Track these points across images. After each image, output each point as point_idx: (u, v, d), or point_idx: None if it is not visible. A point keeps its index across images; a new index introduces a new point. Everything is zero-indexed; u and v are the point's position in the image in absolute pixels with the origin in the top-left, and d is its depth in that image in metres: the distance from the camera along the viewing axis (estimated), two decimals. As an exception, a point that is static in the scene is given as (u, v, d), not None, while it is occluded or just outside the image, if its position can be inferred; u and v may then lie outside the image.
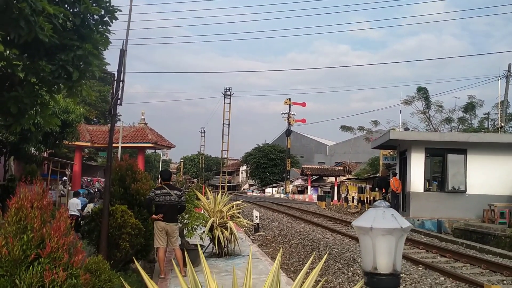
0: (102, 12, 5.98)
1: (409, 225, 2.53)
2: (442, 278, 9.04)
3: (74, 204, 14.20)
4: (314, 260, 9.97)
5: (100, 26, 6.04)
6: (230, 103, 60.20)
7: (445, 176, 19.82)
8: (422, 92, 34.01)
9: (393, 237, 2.47)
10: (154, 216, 8.33)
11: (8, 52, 5.78)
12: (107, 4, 5.98)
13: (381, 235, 2.46)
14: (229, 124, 59.61)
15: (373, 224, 2.47)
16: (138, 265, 3.49)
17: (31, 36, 4.97)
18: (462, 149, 19.58)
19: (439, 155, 20.33)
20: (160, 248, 8.38)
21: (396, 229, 2.47)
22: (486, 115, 34.41)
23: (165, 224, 8.32)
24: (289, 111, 62.64)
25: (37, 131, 11.43)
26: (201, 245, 9.65)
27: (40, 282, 3.57)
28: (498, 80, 29.63)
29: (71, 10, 5.66)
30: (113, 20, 6.14)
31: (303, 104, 65.05)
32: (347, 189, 41.99)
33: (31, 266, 3.62)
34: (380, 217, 2.50)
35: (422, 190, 19.64)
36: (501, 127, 28.66)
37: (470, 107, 33.48)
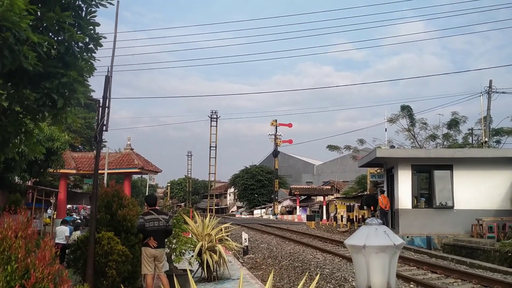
0: (87, 40, 5.98)
1: (402, 242, 2.52)
2: (434, 295, 9.03)
3: (62, 232, 13.96)
4: (305, 281, 9.90)
5: (84, 54, 6.04)
6: (216, 126, 60.17)
7: (432, 192, 19.95)
8: (406, 110, 34.44)
9: (386, 255, 2.46)
10: (149, 241, 8.21)
11: (-9, 81, 5.75)
12: (92, 31, 5.99)
13: (374, 253, 2.44)
14: (216, 147, 59.45)
15: (366, 242, 2.45)
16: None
17: (15, 65, 4.95)
18: (448, 164, 19.78)
19: (425, 172, 20.50)
20: (148, 275, 8.24)
21: (389, 246, 2.46)
22: (470, 130, 34.87)
23: (155, 250, 8.21)
24: (276, 132, 62.82)
25: (21, 160, 11.31)
26: (189, 270, 9.52)
27: (25, 314, 3.50)
28: (480, 96, 30.14)
29: (56, 38, 5.66)
30: (98, 47, 6.15)
31: (290, 125, 65.33)
32: (336, 208, 42.00)
33: (15, 298, 3.55)
34: (373, 235, 2.49)
35: (410, 207, 19.72)
36: (485, 142, 29.02)
37: (454, 123, 33.93)
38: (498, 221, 17.55)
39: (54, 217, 23.17)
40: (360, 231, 2.58)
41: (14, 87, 5.77)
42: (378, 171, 29.55)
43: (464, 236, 18.37)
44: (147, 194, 38.33)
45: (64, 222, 15.59)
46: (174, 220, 10.17)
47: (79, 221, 20.65)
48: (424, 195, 20.72)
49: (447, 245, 17.80)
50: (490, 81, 30.58)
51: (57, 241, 12.66)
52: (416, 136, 34.82)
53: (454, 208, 19.42)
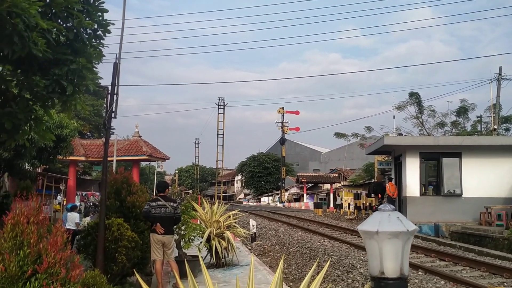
0: (95, 26, 5.97)
1: (415, 228, 2.51)
2: (443, 282, 9.03)
3: (72, 218, 14.09)
4: (314, 268, 9.94)
5: (93, 40, 6.03)
6: (224, 114, 60.28)
7: (441, 180, 19.87)
8: (415, 97, 34.19)
9: (399, 241, 2.45)
10: (156, 227, 8.28)
11: (1, 68, 5.77)
12: (100, 18, 5.98)
13: (387, 239, 2.44)
14: (223, 134, 59.64)
15: (379, 227, 2.45)
16: (139, 277, 3.46)
17: (24, 51, 4.96)
18: (456, 152, 19.66)
19: (433, 159, 20.40)
20: (157, 261, 8.32)
21: (402, 232, 2.45)
22: (479, 118, 34.60)
23: (162, 237, 8.27)
24: (283, 120, 62.74)
25: (31, 147, 11.36)
26: (198, 256, 9.59)
27: (38, 298, 3.53)
28: (489, 83, 29.87)
29: (64, 25, 5.65)
30: (106, 34, 6.14)
31: (297, 113, 65.19)
32: (338, 195, 41.97)
33: (28, 282, 3.59)
34: (386, 221, 2.48)
35: (418, 195, 19.68)
36: (494, 129, 28.83)
37: (462, 111, 33.66)
38: (507, 209, 17.49)
39: (64, 203, 23.34)
40: (373, 217, 2.57)
41: (23, 73, 5.78)
42: (386, 158, 29.49)
43: (472, 224, 18.32)
44: (155, 181, 38.51)
45: (74, 208, 15.72)
46: (183, 207, 10.23)
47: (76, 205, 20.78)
48: (432, 183, 20.65)
49: (455, 233, 17.78)
50: (500, 68, 30.31)
51: (67, 227, 12.78)
52: (424, 123, 34.62)
53: (463, 196, 19.35)
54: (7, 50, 4.96)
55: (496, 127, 29.27)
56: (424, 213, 19.02)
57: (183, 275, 7.67)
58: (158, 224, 8.27)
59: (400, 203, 20.44)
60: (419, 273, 10.10)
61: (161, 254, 8.34)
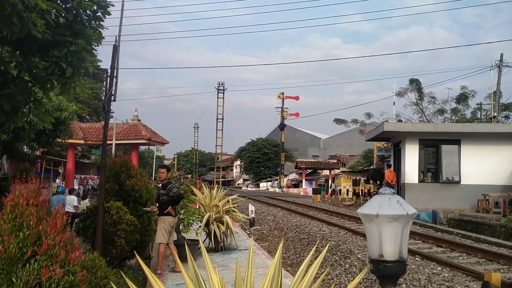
0: (95, 7, 5.90)
1: (415, 212, 2.52)
2: (439, 268, 9.09)
3: (71, 201, 14.14)
4: (313, 253, 9.99)
5: (93, 22, 5.98)
6: (223, 98, 60.18)
7: (439, 167, 19.91)
8: (415, 83, 34.07)
9: (399, 224, 2.46)
10: (170, 209, 8.41)
11: (0, 49, 5.72)
12: (100, -1, 5.92)
13: (387, 222, 2.44)
14: (222, 119, 59.62)
15: (379, 211, 2.45)
16: (140, 259, 3.47)
17: (24, 32, 4.91)
18: (455, 139, 19.67)
19: (433, 146, 20.42)
20: (161, 244, 8.38)
21: (402, 215, 2.45)
22: (479, 105, 34.55)
23: (175, 218, 8.51)
24: (283, 105, 62.73)
25: (30, 129, 11.34)
26: (197, 240, 9.64)
27: (37, 280, 3.53)
28: (490, 70, 29.76)
29: (64, 6, 5.59)
30: (106, 16, 6.08)
31: (296, 98, 65.14)
32: (333, 182, 42.09)
33: (27, 264, 3.59)
34: (386, 204, 2.48)
35: (416, 181, 19.73)
36: (494, 117, 28.80)
37: (462, 98, 33.59)
38: (505, 196, 17.55)
39: (63, 186, 23.38)
40: (373, 201, 2.58)
41: (22, 55, 5.74)
42: (385, 145, 29.51)
43: (470, 211, 18.40)
44: (154, 165, 38.53)
45: (72, 191, 15.77)
46: (182, 191, 10.27)
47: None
48: (431, 169, 20.69)
49: (452, 220, 17.86)
50: (501, 55, 30.26)
51: (66, 209, 12.82)
52: (424, 110, 34.55)
53: (461, 183, 19.40)
54: (6, 31, 4.91)
55: (496, 114, 29.24)
56: (422, 200, 19.07)
57: (181, 259, 7.71)
58: (170, 206, 8.39)
59: (398, 190, 20.50)
60: (417, 259, 10.16)
61: (168, 237, 8.42)
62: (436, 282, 7.95)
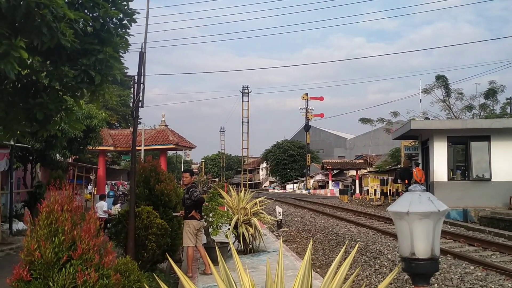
0: (121, 16, 6.03)
1: (446, 208, 2.49)
2: (472, 267, 8.91)
3: (101, 207, 14.41)
4: (342, 254, 9.94)
5: (119, 29, 6.10)
6: (248, 101, 60.34)
7: (469, 164, 19.54)
8: (441, 80, 33.49)
9: (430, 221, 2.43)
10: (195, 213, 8.48)
11: (31, 59, 5.88)
12: (126, 7, 6.03)
13: (418, 219, 2.42)
14: (248, 122, 59.78)
15: (409, 208, 2.43)
16: (172, 262, 3.52)
17: (53, 42, 5.05)
18: (485, 136, 19.28)
19: (462, 143, 20.06)
20: (190, 247, 8.47)
21: (433, 212, 2.43)
22: (508, 100, 33.75)
23: (199, 222, 8.54)
24: (307, 106, 62.49)
25: (62, 137, 11.61)
26: (226, 243, 9.70)
27: (73, 284, 3.62)
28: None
29: (91, 15, 5.72)
30: (132, 23, 6.19)
31: (321, 99, 64.81)
32: (352, 184, 41.55)
33: (63, 268, 3.68)
34: (416, 201, 2.46)
35: (446, 180, 19.40)
36: (525, 111, 28.11)
37: (491, 93, 32.83)
38: (539, 192, 17.11)
39: (95, 193, 23.82)
40: (403, 198, 2.56)
41: (53, 64, 5.89)
42: (413, 143, 29.07)
43: (502, 208, 17.98)
44: (182, 169, 38.85)
45: (103, 197, 16.06)
46: (210, 194, 10.37)
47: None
48: (460, 167, 20.31)
49: (484, 218, 17.48)
50: (531, 48, 29.42)
51: (99, 215, 13.07)
52: (451, 107, 33.93)
53: (492, 180, 18.99)
54: (37, 42, 5.06)
55: (526, 109, 28.53)
56: (452, 198, 18.70)
57: (212, 261, 7.77)
58: (194, 210, 8.45)
59: (427, 189, 20.14)
60: (448, 258, 9.99)
61: (195, 240, 8.49)
62: (469, 282, 7.81)
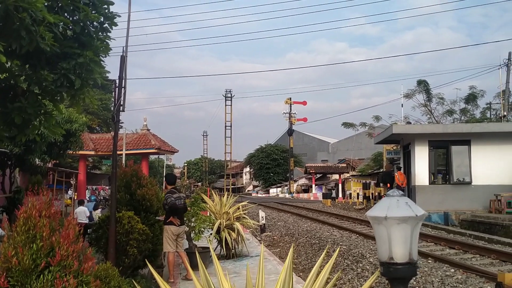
0: (102, 19, 5.96)
1: (424, 213, 2.52)
2: (452, 270, 9.02)
3: (82, 212, 14.23)
4: (323, 258, 9.96)
5: (100, 33, 6.03)
6: (231, 105, 60.22)
7: (450, 168, 19.79)
8: (423, 85, 33.97)
9: (408, 226, 2.45)
10: (173, 219, 8.40)
11: (10, 63, 5.79)
12: (106, 11, 5.97)
13: (396, 224, 2.44)
14: (231, 126, 59.62)
15: (387, 213, 2.45)
16: (152, 268, 3.49)
17: (32, 45, 4.97)
18: (465, 140, 19.57)
19: (443, 147, 20.31)
20: (170, 252, 8.41)
21: (411, 217, 2.45)
22: (488, 105, 34.36)
23: (179, 228, 8.44)
24: (290, 111, 62.72)
25: (41, 142, 11.45)
26: (208, 248, 9.66)
27: (51, 291, 3.57)
28: (498, 69, 29.61)
29: (71, 18, 5.65)
30: (113, 27, 6.14)
31: (304, 103, 65.17)
32: (333, 189, 41.80)
33: (41, 275, 3.61)
34: (394, 206, 2.48)
35: (427, 183, 19.63)
36: (504, 116, 28.60)
37: (471, 98, 33.41)
38: (517, 196, 17.40)
39: (75, 198, 23.53)
40: (381, 203, 2.58)
41: (32, 68, 5.80)
42: (395, 147, 29.36)
43: (482, 212, 18.25)
44: (164, 174, 38.63)
45: (81, 202, 15.88)
46: (193, 199, 10.31)
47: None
48: (441, 171, 20.56)
49: (464, 221, 17.71)
50: (510, 53, 30.00)
51: (78, 221, 12.91)
52: (433, 111, 34.44)
53: (472, 183, 19.26)
54: (15, 45, 4.97)
55: (505, 113, 29.04)
56: (433, 202, 18.95)
57: (193, 267, 7.73)
58: (172, 216, 8.38)
59: (409, 192, 20.39)
60: (429, 261, 10.09)
61: (175, 246, 8.44)
62: (449, 284, 7.89)
